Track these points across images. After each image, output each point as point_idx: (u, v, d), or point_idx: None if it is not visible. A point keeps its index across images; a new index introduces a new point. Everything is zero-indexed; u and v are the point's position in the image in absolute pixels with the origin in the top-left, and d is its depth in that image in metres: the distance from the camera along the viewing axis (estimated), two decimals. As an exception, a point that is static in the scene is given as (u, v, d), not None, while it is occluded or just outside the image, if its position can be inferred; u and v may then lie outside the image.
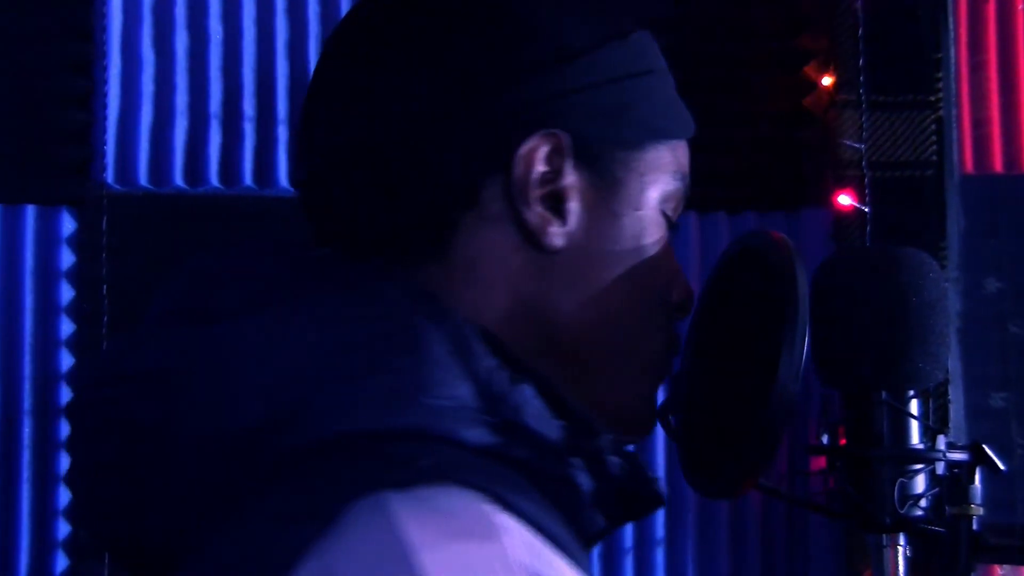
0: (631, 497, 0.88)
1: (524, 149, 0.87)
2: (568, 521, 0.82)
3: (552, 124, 0.88)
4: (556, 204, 0.89)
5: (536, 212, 0.88)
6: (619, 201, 0.91)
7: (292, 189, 2.57)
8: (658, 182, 0.93)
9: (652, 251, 0.92)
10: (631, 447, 0.91)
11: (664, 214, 0.94)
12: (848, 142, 2.57)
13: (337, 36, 0.94)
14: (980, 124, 2.61)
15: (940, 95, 2.57)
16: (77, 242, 2.52)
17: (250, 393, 0.79)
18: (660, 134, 0.93)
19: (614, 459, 0.86)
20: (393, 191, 0.88)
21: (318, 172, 0.91)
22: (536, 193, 0.88)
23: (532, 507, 0.77)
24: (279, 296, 0.83)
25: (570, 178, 0.89)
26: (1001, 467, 1.74)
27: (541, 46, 0.88)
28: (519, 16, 0.89)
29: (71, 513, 2.44)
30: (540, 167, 0.88)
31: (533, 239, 0.88)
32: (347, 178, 0.89)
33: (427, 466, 0.76)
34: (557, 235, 0.88)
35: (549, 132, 0.88)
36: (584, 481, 0.84)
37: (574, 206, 0.89)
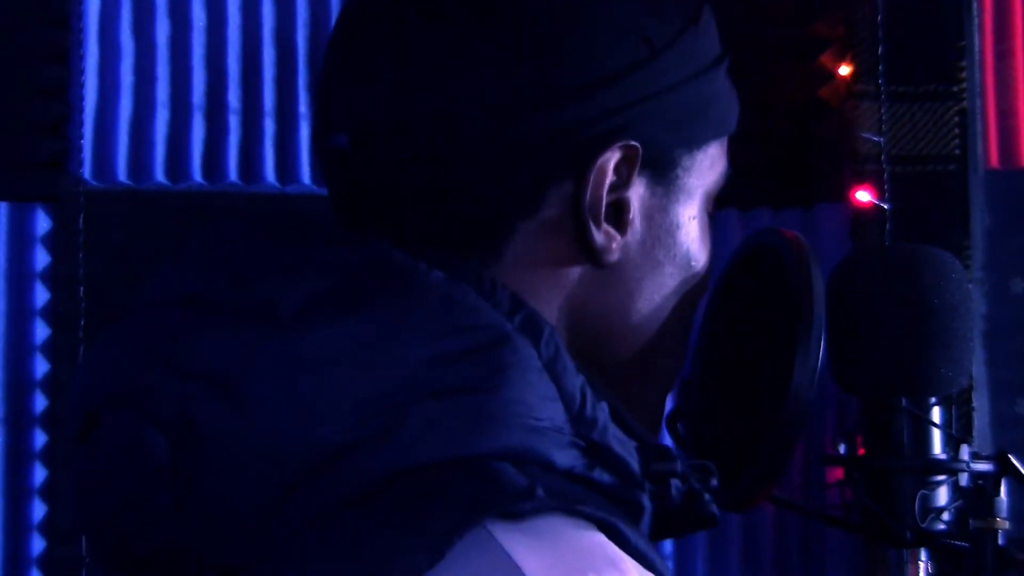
0: (687, 518, 0.88)
1: (600, 162, 0.85)
2: None
3: (629, 133, 0.86)
4: (617, 214, 0.88)
5: (603, 230, 0.86)
6: (677, 208, 0.90)
7: (281, 186, 2.57)
8: (711, 181, 0.92)
9: (701, 255, 0.91)
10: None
11: (709, 213, 0.93)
12: (866, 135, 2.57)
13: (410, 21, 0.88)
14: (1006, 116, 2.61)
15: (964, 85, 2.57)
16: (52, 241, 2.52)
17: (337, 407, 0.76)
18: (722, 131, 0.93)
19: (676, 482, 0.85)
20: (450, 183, 0.85)
21: (363, 145, 0.87)
22: (606, 205, 0.86)
23: (637, 536, 0.77)
24: (358, 297, 0.80)
25: (635, 188, 0.88)
26: (1028, 478, 1.74)
27: (624, 48, 0.86)
28: (604, 13, 0.87)
29: (54, 526, 2.44)
30: (611, 178, 0.86)
31: (593, 255, 0.87)
32: (399, 159, 0.86)
33: (540, 495, 0.74)
34: (617, 249, 0.87)
35: (626, 144, 0.86)
36: (647, 504, 0.83)
37: (635, 217, 0.88)
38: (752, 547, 2.58)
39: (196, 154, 2.56)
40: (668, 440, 1.02)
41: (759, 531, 2.57)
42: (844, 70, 2.59)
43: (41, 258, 2.51)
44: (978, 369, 2.47)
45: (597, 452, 0.80)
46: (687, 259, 0.91)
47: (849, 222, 2.58)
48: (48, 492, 2.46)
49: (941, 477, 1.89)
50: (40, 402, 2.48)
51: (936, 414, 1.90)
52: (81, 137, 2.53)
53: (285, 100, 2.59)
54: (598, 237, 0.86)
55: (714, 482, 0.88)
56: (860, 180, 2.56)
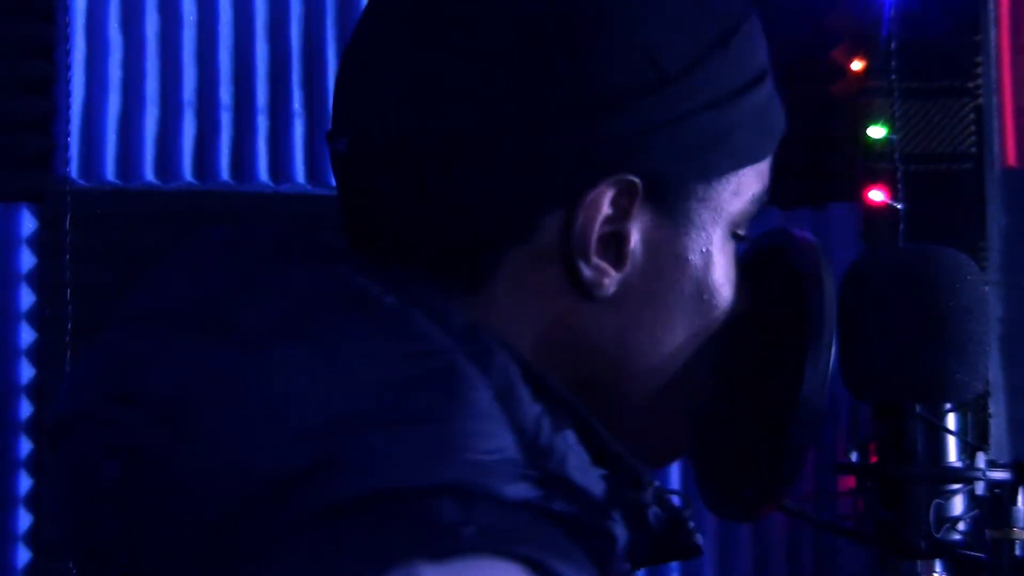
0: (667, 546, 0.88)
1: (591, 196, 0.85)
2: (599, 571, 0.83)
3: (628, 165, 0.85)
4: (615, 245, 0.88)
5: (593, 264, 0.86)
6: (687, 240, 0.89)
7: (275, 186, 2.57)
8: (735, 210, 0.90)
9: (719, 289, 0.90)
10: (675, 497, 0.91)
11: (736, 236, 0.92)
12: (879, 133, 2.57)
13: (400, 15, 0.89)
14: (1023, 113, 2.62)
15: (979, 81, 2.57)
16: (38, 242, 2.52)
17: (278, 436, 0.77)
18: (748, 160, 0.90)
19: (655, 510, 0.86)
20: (440, 202, 0.86)
21: (360, 154, 0.88)
22: (596, 240, 0.86)
23: (574, 573, 0.77)
24: (314, 323, 0.81)
25: (636, 221, 0.86)
26: (1046, 487, 1.74)
27: (627, 74, 0.85)
28: (608, 37, 0.85)
29: (39, 537, 2.44)
30: (605, 211, 0.85)
31: (583, 289, 0.87)
32: (392, 173, 0.87)
33: (467, 534, 0.75)
34: (611, 283, 0.87)
35: (621, 178, 0.85)
36: (620, 533, 0.84)
37: (635, 250, 0.87)
38: (763, 558, 2.58)
39: (186, 152, 2.57)
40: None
41: (770, 542, 2.57)
42: (856, 66, 2.60)
43: (26, 260, 2.51)
44: (994, 374, 2.48)
45: (554, 483, 0.81)
46: (699, 293, 0.90)
47: (861, 222, 2.59)
48: (33, 501, 2.46)
49: (956, 486, 1.89)
50: (25, 408, 2.48)
51: (951, 421, 1.90)
52: (67, 135, 2.53)
53: (278, 97, 2.59)
54: (586, 272, 0.86)
55: (676, 514, 0.87)
56: (873, 179, 2.57)
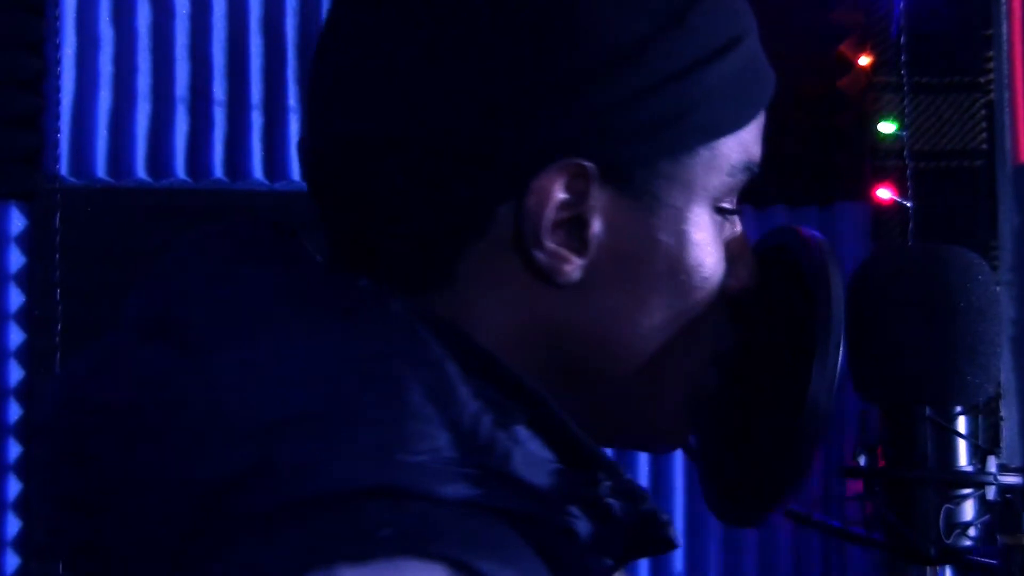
0: (641, 541, 0.89)
1: (538, 183, 0.86)
2: (566, 571, 0.83)
3: (578, 148, 0.86)
4: (577, 230, 0.88)
5: (548, 250, 0.86)
6: (656, 219, 0.89)
7: (269, 183, 2.57)
8: (711, 184, 0.90)
9: (701, 267, 0.90)
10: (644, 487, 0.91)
11: (721, 210, 0.92)
12: (888, 129, 2.57)
13: (351, 16, 0.92)
14: (1035, 108, 2.62)
15: (991, 76, 2.57)
16: (27, 241, 2.52)
17: (219, 441, 0.79)
18: (718, 132, 0.90)
19: (616, 503, 0.86)
20: (399, 203, 0.87)
21: (322, 156, 0.91)
22: (551, 225, 0.86)
23: (507, 571, 0.78)
24: (258, 324, 0.83)
25: (595, 202, 0.87)
26: (1059, 491, 1.74)
27: (573, 59, 0.86)
28: (557, 15, 0.86)
29: (29, 541, 2.44)
30: (558, 196, 0.86)
31: (544, 277, 0.88)
32: (354, 176, 0.89)
33: (387, 535, 0.76)
34: (574, 270, 0.87)
35: (569, 161, 0.86)
36: (583, 528, 0.84)
37: (597, 232, 0.88)
38: (769, 564, 2.58)
39: (179, 149, 2.57)
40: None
41: (776, 548, 2.57)
42: (864, 60, 2.59)
43: (15, 259, 2.51)
44: (1006, 376, 2.48)
45: (497, 480, 0.81)
46: (674, 273, 0.90)
47: (870, 221, 2.59)
48: (23, 505, 2.46)
49: (967, 490, 1.89)
50: (14, 411, 2.48)
51: (962, 424, 1.90)
52: (57, 131, 2.53)
53: (273, 92, 2.59)
54: (541, 258, 0.86)
55: (644, 507, 0.88)
56: (881, 176, 2.56)
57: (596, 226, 0.88)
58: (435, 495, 0.79)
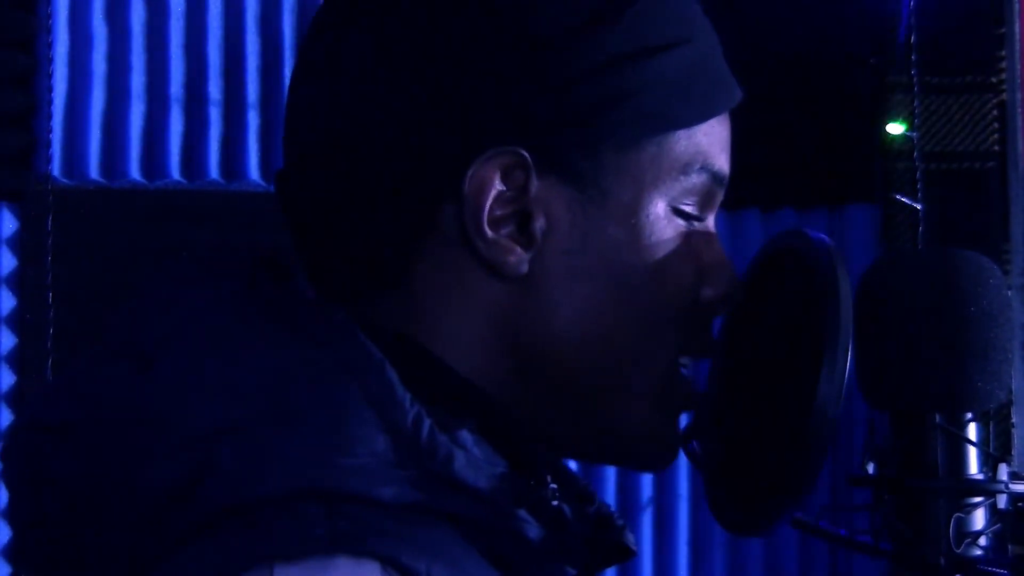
0: (599, 547, 0.90)
1: (472, 171, 0.87)
2: (509, 571, 0.84)
3: (511, 136, 0.88)
4: (522, 224, 0.89)
5: (489, 241, 0.88)
6: (605, 212, 0.90)
7: (265, 184, 2.57)
8: (663, 181, 0.91)
9: (654, 262, 0.91)
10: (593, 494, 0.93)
11: (681, 212, 0.92)
12: (898, 130, 2.57)
13: (309, 40, 0.95)
14: (1048, 109, 2.62)
15: (1003, 76, 2.57)
16: (19, 243, 2.52)
17: (165, 450, 0.82)
18: (665, 126, 0.91)
19: (566, 507, 0.87)
20: (350, 211, 0.90)
21: (287, 175, 0.94)
22: (493, 216, 0.88)
23: (443, 572, 0.79)
24: (201, 336, 0.86)
25: (536, 193, 0.89)
26: (1072, 501, 1.74)
27: (502, 47, 0.88)
28: (480, 7, 0.88)
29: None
30: (496, 187, 0.88)
31: (491, 269, 0.89)
32: (309, 190, 0.92)
33: (320, 534, 0.79)
34: (520, 262, 0.89)
35: (501, 150, 0.87)
36: (533, 532, 0.85)
37: (541, 224, 0.89)
38: (775, 573, 2.58)
39: (174, 149, 2.57)
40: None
41: (783, 558, 2.57)
42: (874, 60, 2.60)
43: (6, 261, 2.51)
44: (1018, 383, 2.48)
45: (437, 483, 0.83)
46: (629, 267, 0.91)
47: (879, 224, 2.59)
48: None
49: (977, 499, 1.89)
50: (5, 416, 2.48)
51: (972, 431, 1.90)
52: (49, 131, 2.53)
53: (270, 92, 2.60)
54: (482, 248, 0.88)
55: (594, 509, 0.90)
56: (892, 179, 2.56)
57: (541, 219, 0.89)
58: (372, 497, 0.81)
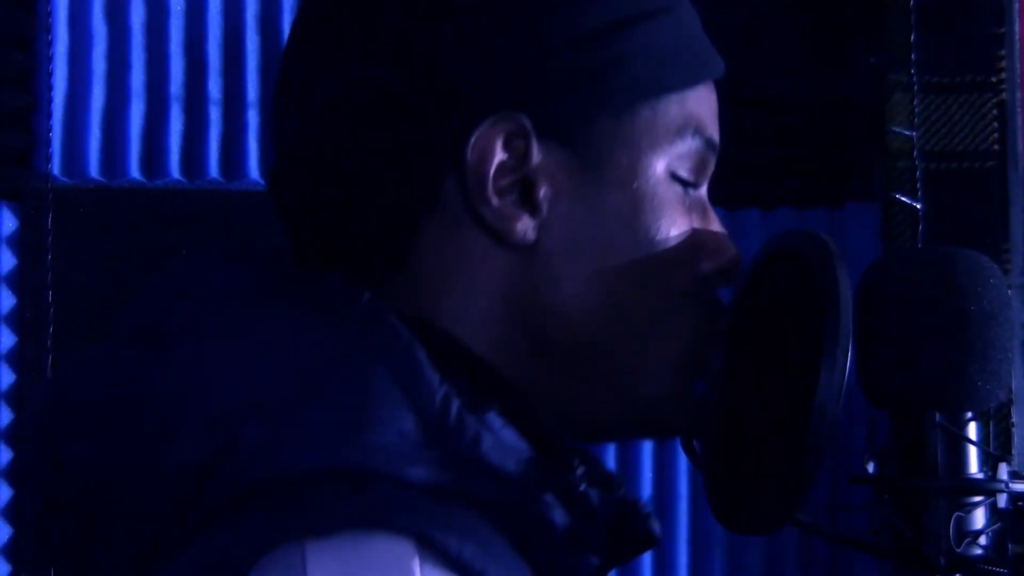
0: (619, 535, 0.89)
1: (474, 138, 0.88)
2: (543, 562, 0.84)
3: (511, 103, 0.89)
4: (526, 193, 0.90)
5: (494, 208, 0.89)
6: (606, 177, 0.91)
7: (263, 182, 2.57)
8: (659, 145, 0.93)
9: (657, 226, 0.92)
10: (616, 475, 0.92)
11: (677, 178, 0.93)
12: (898, 129, 2.57)
13: (295, 23, 0.96)
14: (1048, 108, 2.62)
15: (1003, 76, 2.57)
16: (18, 242, 2.52)
17: (191, 428, 0.82)
18: (656, 89, 0.93)
19: (594, 492, 0.87)
20: (351, 194, 0.90)
21: (282, 170, 0.94)
22: (496, 186, 0.89)
23: (474, 551, 0.79)
24: (220, 317, 0.86)
25: (538, 161, 0.90)
26: (1072, 500, 1.74)
27: (494, 15, 0.89)
28: None
29: (20, 549, 2.44)
30: (499, 156, 0.88)
31: (499, 238, 0.89)
32: (306, 179, 0.92)
33: (351, 511, 0.78)
34: (527, 229, 0.89)
35: (501, 115, 0.88)
36: (559, 517, 0.85)
37: (546, 192, 0.90)
38: (775, 574, 2.58)
39: (174, 148, 2.57)
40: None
41: (783, 557, 2.57)
42: (874, 59, 2.60)
43: (6, 261, 2.51)
44: (1018, 382, 2.48)
45: (465, 465, 0.83)
46: (634, 228, 0.92)
47: (880, 223, 2.59)
48: (14, 512, 2.46)
49: (978, 498, 1.89)
50: (5, 415, 2.48)
51: (972, 430, 1.90)
52: (49, 130, 2.53)
53: (270, 91, 2.59)
54: (489, 216, 0.89)
55: (620, 495, 0.90)
56: (892, 178, 2.56)
57: (544, 187, 0.90)
58: (400, 477, 0.81)
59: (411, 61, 0.88)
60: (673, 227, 0.93)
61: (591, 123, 0.91)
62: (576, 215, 0.90)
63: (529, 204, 0.90)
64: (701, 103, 0.95)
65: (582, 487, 0.87)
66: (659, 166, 0.92)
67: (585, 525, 0.86)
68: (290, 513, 0.79)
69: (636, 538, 0.92)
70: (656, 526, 0.92)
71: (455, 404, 0.84)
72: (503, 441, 0.85)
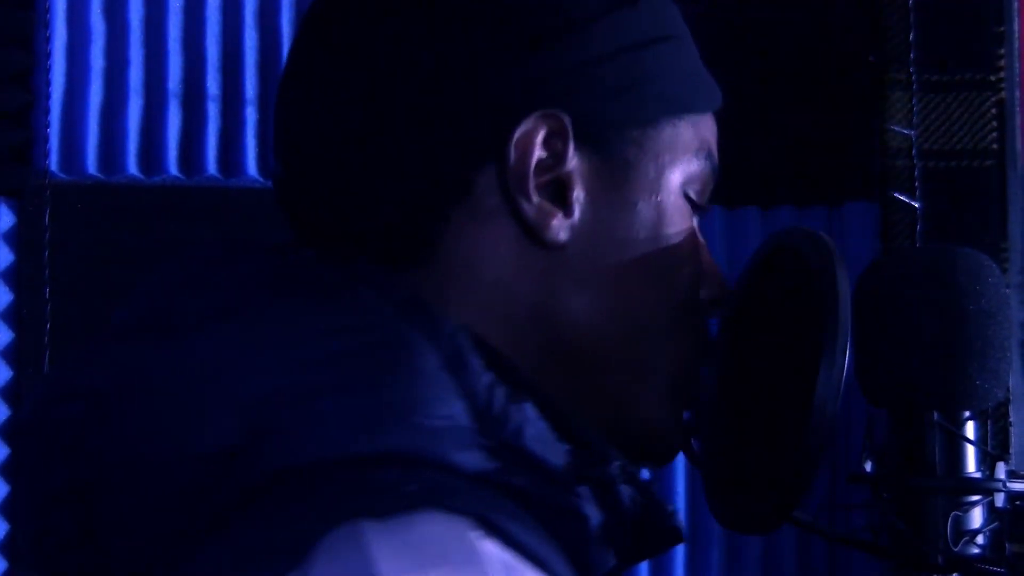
0: (646, 531, 0.89)
1: (519, 133, 0.89)
2: (572, 556, 0.83)
3: (552, 104, 0.89)
4: (559, 193, 0.90)
5: (535, 204, 0.89)
6: (632, 186, 0.92)
7: (263, 180, 2.58)
8: (678, 162, 0.94)
9: (674, 242, 0.93)
10: (646, 475, 0.92)
11: (688, 198, 0.95)
12: (897, 128, 2.57)
13: (313, 13, 0.95)
14: (1048, 107, 2.62)
15: (1002, 74, 2.57)
16: (16, 238, 2.52)
17: (219, 412, 0.81)
18: (678, 108, 0.95)
19: (626, 489, 0.87)
20: (377, 185, 0.89)
21: (295, 164, 0.93)
22: (535, 182, 0.89)
23: (527, 535, 0.78)
24: (248, 304, 0.85)
25: (573, 163, 0.90)
26: (1070, 499, 1.74)
27: (539, 18, 0.90)
28: None
29: (12, 545, 2.44)
30: (538, 153, 0.89)
31: (534, 234, 0.89)
32: (326, 171, 0.91)
33: (410, 491, 0.77)
34: (560, 228, 0.90)
35: (546, 113, 0.89)
36: (592, 513, 0.85)
37: (579, 194, 0.91)
38: (773, 572, 2.58)
39: (172, 145, 2.56)
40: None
41: (780, 556, 2.57)
42: (873, 57, 2.60)
43: (4, 256, 2.51)
44: (1016, 381, 2.48)
45: (511, 454, 0.82)
46: (654, 240, 0.92)
47: (878, 221, 2.59)
48: (10, 508, 2.46)
49: (975, 497, 1.90)
50: (2, 411, 2.48)
51: (970, 429, 1.90)
52: (47, 126, 2.53)
53: (268, 87, 2.59)
54: (529, 210, 0.89)
55: (649, 495, 0.89)
56: (890, 177, 2.56)
57: (577, 189, 0.90)
58: (450, 463, 0.80)
59: (457, 54, 0.88)
60: (687, 245, 0.94)
61: (623, 131, 0.92)
62: (603, 220, 0.91)
63: (561, 204, 0.90)
64: (708, 129, 0.98)
65: (618, 482, 0.87)
66: (676, 182, 0.94)
67: (613, 524, 0.86)
68: (346, 494, 0.78)
69: (662, 534, 0.91)
70: (681, 523, 0.92)
71: (500, 391, 0.83)
72: (543, 431, 0.84)
